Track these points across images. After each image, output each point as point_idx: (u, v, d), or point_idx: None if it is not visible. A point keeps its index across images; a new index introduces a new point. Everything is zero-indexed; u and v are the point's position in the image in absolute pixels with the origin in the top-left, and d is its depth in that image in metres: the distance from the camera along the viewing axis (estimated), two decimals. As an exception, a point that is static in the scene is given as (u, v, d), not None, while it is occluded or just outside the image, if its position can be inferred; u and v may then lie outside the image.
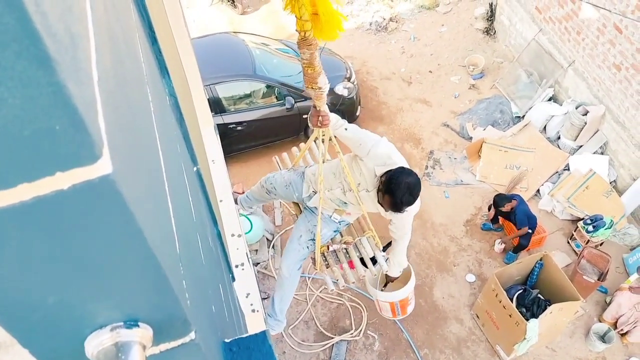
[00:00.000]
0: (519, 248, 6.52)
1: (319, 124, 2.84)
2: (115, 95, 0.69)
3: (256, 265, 6.42)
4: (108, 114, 0.58)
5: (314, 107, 2.81)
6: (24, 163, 0.48)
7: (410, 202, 2.75)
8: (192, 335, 0.82)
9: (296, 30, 2.27)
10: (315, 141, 3.16)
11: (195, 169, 1.84)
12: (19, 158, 0.47)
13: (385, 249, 3.55)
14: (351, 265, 3.47)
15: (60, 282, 0.60)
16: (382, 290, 3.94)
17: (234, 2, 10.09)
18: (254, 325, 2.59)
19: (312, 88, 2.58)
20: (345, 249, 3.48)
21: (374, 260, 3.42)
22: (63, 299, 0.62)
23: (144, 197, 0.68)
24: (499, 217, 6.70)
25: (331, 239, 3.50)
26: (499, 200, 6.31)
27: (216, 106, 6.93)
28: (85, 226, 0.56)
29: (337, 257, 3.47)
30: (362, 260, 3.46)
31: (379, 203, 2.96)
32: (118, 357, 0.68)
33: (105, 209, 0.55)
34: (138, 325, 0.72)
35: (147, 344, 0.73)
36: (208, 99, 6.69)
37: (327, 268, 3.45)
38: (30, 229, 0.52)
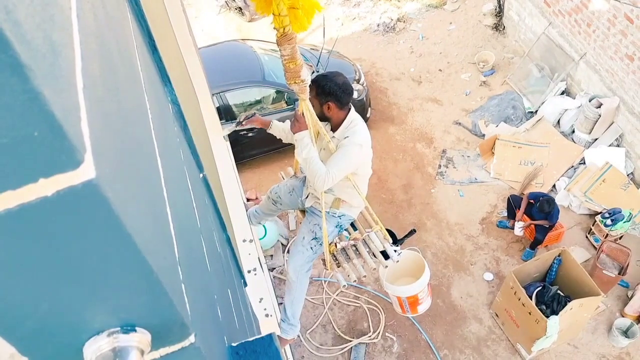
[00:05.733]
0: (535, 243, 6.45)
1: (297, 126, 2.95)
2: (104, 102, 0.69)
3: (271, 271, 6.43)
4: (94, 120, 0.59)
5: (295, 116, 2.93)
6: (6, 170, 0.48)
7: (328, 87, 2.86)
8: (192, 339, 0.82)
9: (274, 28, 2.28)
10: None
11: (201, 175, 1.85)
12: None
13: (395, 242, 3.55)
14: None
15: (51, 289, 0.60)
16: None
17: (241, 9, 10.15)
18: (268, 329, 2.59)
19: (295, 83, 2.59)
20: (354, 245, 3.48)
21: (385, 254, 3.42)
22: (56, 305, 0.62)
23: (135, 202, 0.68)
24: (515, 211, 6.63)
25: (338, 237, 3.51)
26: (547, 205, 6.12)
27: (227, 113, 6.96)
28: (73, 232, 0.56)
29: (347, 255, 3.48)
30: (373, 255, 3.47)
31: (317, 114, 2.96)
32: (116, 362, 0.69)
33: (91, 214, 0.55)
34: (135, 330, 0.72)
35: (146, 348, 0.74)
36: (218, 107, 6.74)
37: (338, 267, 3.46)
38: (16, 236, 0.53)
